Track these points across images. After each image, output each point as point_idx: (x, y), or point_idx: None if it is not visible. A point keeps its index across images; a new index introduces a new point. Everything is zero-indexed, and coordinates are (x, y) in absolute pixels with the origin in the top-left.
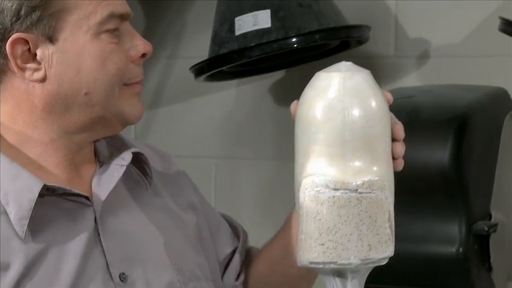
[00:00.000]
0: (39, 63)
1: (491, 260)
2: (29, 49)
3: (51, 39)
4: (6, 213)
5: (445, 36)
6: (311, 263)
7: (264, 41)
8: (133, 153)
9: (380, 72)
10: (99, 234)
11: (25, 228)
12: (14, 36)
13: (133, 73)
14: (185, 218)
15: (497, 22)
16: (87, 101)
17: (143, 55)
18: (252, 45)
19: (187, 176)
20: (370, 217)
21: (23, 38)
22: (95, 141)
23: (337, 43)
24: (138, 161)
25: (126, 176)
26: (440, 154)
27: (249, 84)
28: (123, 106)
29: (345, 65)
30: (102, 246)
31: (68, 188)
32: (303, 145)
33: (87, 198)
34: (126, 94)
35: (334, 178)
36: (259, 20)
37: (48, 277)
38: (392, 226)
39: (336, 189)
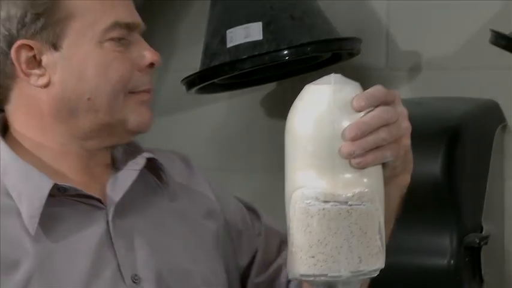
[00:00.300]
0: (44, 69)
1: (483, 272)
2: (34, 55)
3: (55, 46)
4: (19, 212)
5: (436, 49)
6: (302, 275)
7: (255, 53)
8: (149, 159)
9: (371, 85)
10: (111, 237)
11: (35, 226)
12: (19, 42)
13: (139, 81)
14: (203, 224)
15: (489, 35)
16: (91, 106)
17: (151, 65)
18: (243, 57)
19: (209, 182)
20: (360, 229)
21: (27, 45)
22: (111, 149)
23: (328, 55)
24: (154, 168)
25: (142, 182)
26: (431, 166)
27: (241, 97)
28: (128, 114)
29: (334, 78)
30: (113, 248)
31: (80, 188)
32: (293, 157)
33: (99, 201)
34: (131, 102)
35: (324, 190)
36: (250, 32)
37: (58, 276)
38: (382, 238)
39: (325, 202)
